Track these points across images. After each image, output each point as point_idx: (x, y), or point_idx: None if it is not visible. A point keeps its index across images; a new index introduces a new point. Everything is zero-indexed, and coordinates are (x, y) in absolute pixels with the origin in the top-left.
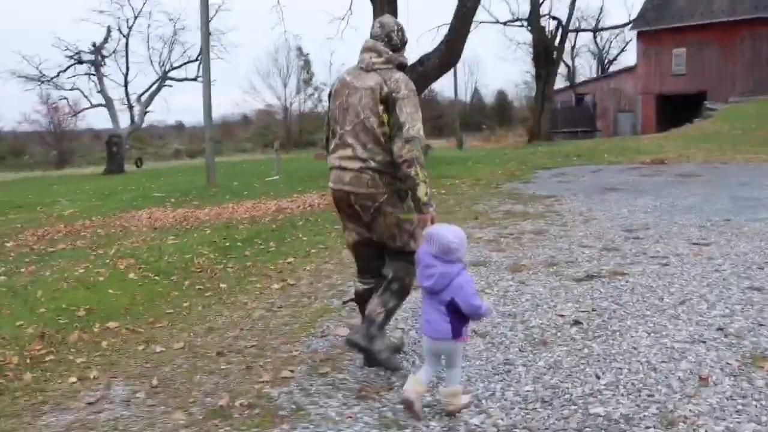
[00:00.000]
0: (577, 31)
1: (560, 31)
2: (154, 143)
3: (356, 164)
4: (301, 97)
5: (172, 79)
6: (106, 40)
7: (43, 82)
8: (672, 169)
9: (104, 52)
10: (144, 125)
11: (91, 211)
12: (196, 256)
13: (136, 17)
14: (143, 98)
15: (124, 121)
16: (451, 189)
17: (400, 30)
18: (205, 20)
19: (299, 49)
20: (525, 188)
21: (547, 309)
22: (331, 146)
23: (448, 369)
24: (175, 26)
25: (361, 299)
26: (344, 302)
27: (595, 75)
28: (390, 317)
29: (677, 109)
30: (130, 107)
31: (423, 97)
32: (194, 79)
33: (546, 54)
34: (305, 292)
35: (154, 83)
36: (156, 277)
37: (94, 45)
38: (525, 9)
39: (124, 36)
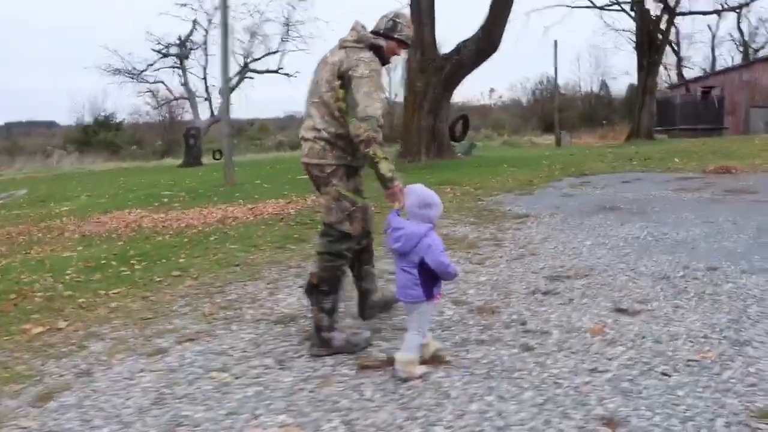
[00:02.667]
0: (687, 14)
1: (666, 15)
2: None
3: (312, 134)
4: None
5: (253, 71)
6: (191, 33)
7: (134, 76)
8: (729, 181)
9: (189, 45)
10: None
11: (87, 209)
12: (42, 280)
13: (216, 9)
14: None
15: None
16: None
17: (392, 19)
18: (224, 7)
19: None
20: (512, 203)
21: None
22: None
23: (410, 331)
24: (260, 17)
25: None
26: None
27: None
28: (334, 310)
29: None
30: (209, 99)
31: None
32: (276, 72)
33: (650, 42)
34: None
35: (236, 75)
36: None
37: (180, 38)
38: None
39: (204, 29)
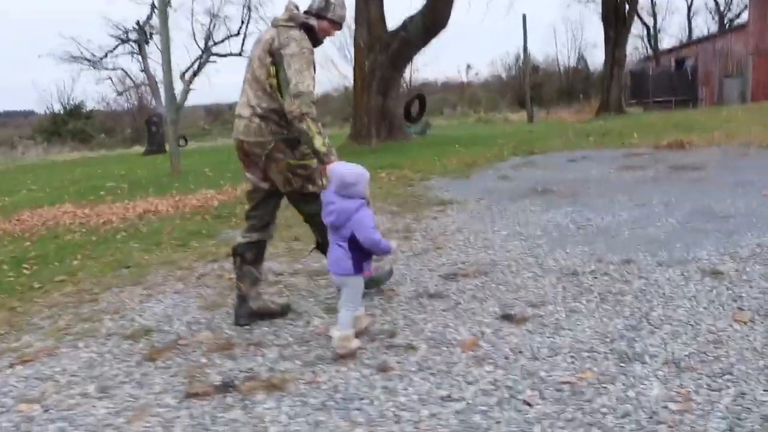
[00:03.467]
0: None
1: None
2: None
3: (247, 111)
4: None
5: (215, 54)
6: (149, 18)
7: (94, 63)
8: (680, 157)
9: (148, 30)
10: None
11: (20, 205)
12: None
13: None
14: (186, 76)
15: None
16: None
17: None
18: None
19: None
20: (443, 188)
21: None
22: None
23: (343, 308)
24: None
25: (235, 252)
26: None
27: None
28: (257, 282)
29: None
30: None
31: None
32: (240, 54)
33: (616, 12)
34: None
35: (197, 59)
36: None
37: (138, 23)
38: None
39: (154, 11)
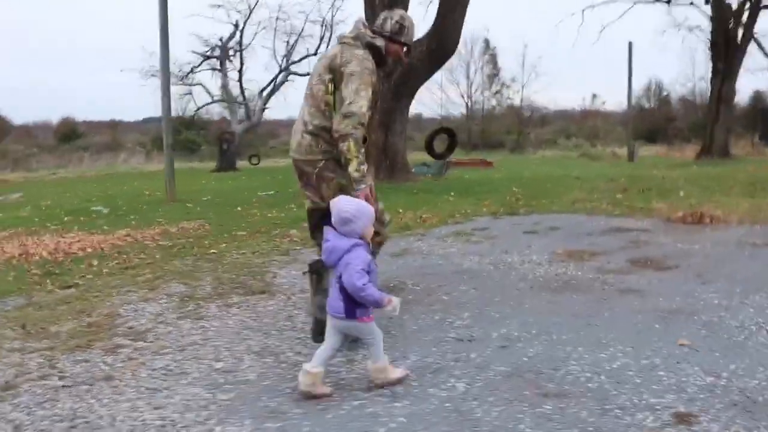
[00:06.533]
0: None
1: (748, 5)
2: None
3: (300, 127)
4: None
5: (294, 73)
6: (232, 35)
7: (181, 79)
8: (676, 239)
9: (232, 47)
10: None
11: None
12: None
13: (251, 10)
14: (264, 93)
15: None
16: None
17: (399, 22)
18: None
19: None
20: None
21: None
22: None
23: (368, 347)
24: (306, 19)
25: (311, 270)
26: (304, 272)
27: None
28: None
29: None
30: (245, 103)
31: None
32: None
33: (726, 41)
34: None
35: (275, 78)
36: None
37: (221, 40)
38: None
39: (239, 30)
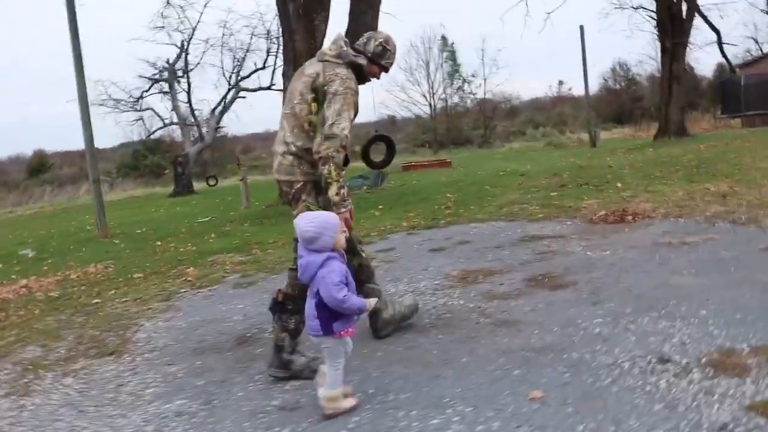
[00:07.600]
0: None
1: None
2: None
3: (281, 148)
4: (448, 92)
5: (244, 89)
6: (179, 56)
7: (132, 105)
8: (610, 241)
9: (180, 68)
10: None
11: None
12: None
13: (194, 29)
14: (216, 112)
15: None
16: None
17: (383, 45)
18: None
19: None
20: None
21: None
22: None
23: (327, 370)
24: (252, 33)
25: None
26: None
27: None
28: (298, 332)
29: None
30: (197, 124)
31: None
32: (269, 88)
33: (671, 17)
34: None
35: (225, 95)
36: None
37: (167, 62)
38: None
39: (183, 51)
